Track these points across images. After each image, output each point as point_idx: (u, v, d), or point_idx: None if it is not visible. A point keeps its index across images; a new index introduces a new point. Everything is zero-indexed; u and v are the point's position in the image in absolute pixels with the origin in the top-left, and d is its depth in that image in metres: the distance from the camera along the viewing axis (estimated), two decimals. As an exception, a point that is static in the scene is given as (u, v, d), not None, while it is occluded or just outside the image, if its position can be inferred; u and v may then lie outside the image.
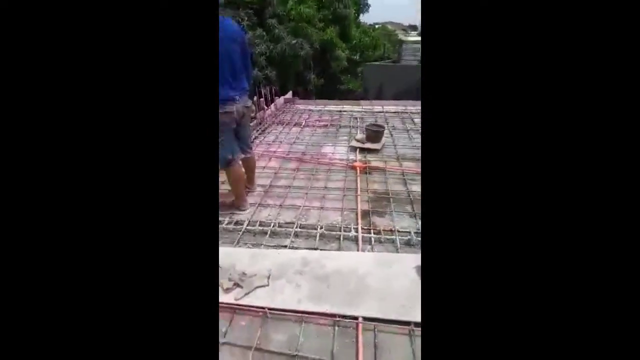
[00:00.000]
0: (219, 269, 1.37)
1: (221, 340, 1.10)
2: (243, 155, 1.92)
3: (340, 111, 4.49)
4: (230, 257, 1.46)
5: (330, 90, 9.55)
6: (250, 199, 2.02)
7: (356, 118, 4.07)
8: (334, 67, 9.81)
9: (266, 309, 1.19)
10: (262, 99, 3.97)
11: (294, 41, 8.02)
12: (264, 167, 2.57)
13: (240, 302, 1.22)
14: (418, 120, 3.83)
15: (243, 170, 1.93)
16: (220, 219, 1.82)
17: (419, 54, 9.70)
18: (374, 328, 1.13)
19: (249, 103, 1.84)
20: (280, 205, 2.01)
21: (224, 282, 1.30)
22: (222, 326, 1.15)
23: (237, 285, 1.29)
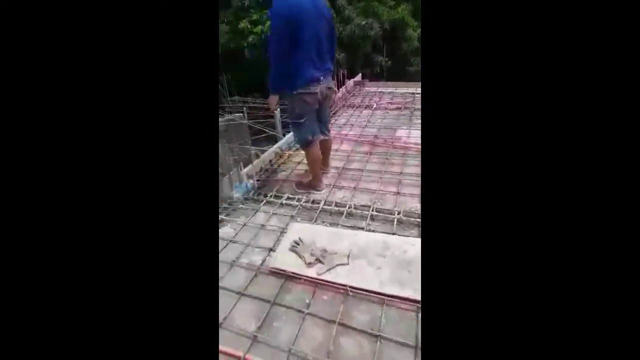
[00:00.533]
0: (301, 243, 1.44)
1: (305, 310, 1.16)
2: (322, 137, 1.95)
3: (413, 93, 4.24)
4: (311, 233, 1.52)
5: (398, 72, 9.07)
6: (324, 180, 2.06)
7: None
8: (404, 47, 9.23)
9: (348, 287, 1.21)
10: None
11: (363, 22, 7.74)
12: (337, 150, 2.58)
13: (322, 277, 1.27)
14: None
15: (320, 151, 1.96)
16: (298, 197, 1.90)
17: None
18: (462, 321, 1.07)
19: (332, 84, 1.84)
20: (355, 188, 2.00)
21: (306, 256, 1.36)
22: (306, 298, 1.22)
23: (318, 260, 1.34)
